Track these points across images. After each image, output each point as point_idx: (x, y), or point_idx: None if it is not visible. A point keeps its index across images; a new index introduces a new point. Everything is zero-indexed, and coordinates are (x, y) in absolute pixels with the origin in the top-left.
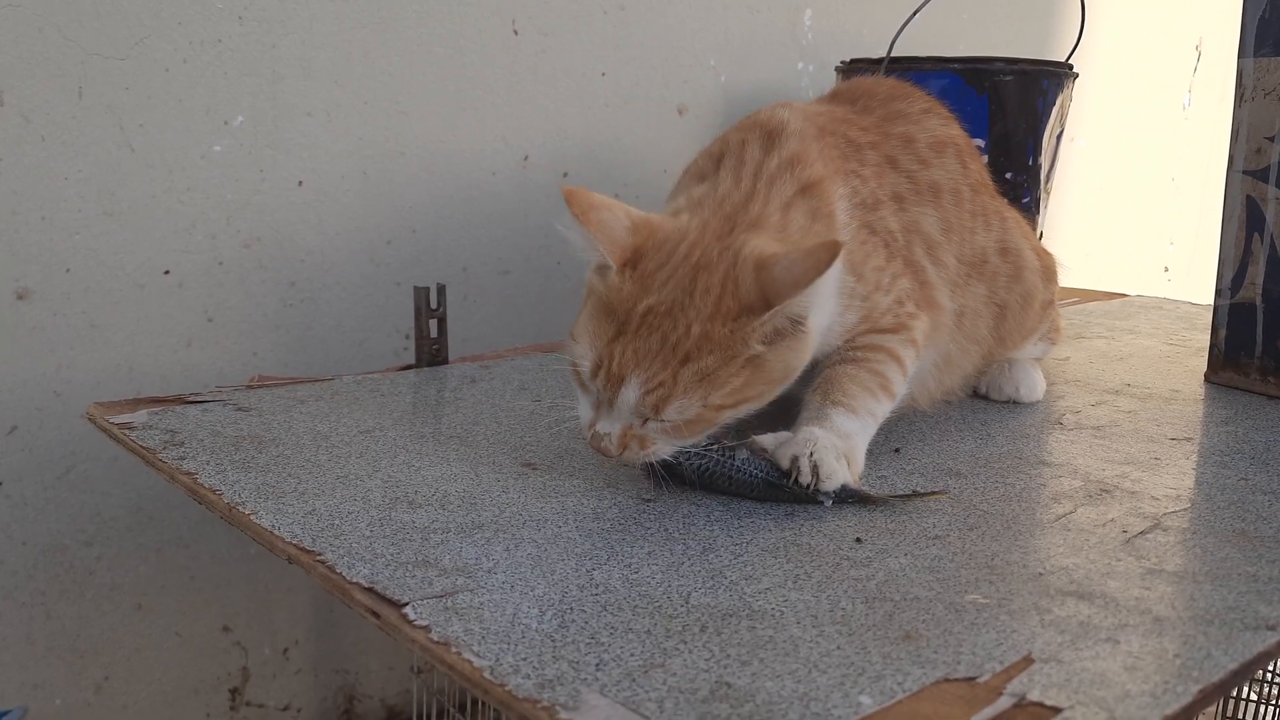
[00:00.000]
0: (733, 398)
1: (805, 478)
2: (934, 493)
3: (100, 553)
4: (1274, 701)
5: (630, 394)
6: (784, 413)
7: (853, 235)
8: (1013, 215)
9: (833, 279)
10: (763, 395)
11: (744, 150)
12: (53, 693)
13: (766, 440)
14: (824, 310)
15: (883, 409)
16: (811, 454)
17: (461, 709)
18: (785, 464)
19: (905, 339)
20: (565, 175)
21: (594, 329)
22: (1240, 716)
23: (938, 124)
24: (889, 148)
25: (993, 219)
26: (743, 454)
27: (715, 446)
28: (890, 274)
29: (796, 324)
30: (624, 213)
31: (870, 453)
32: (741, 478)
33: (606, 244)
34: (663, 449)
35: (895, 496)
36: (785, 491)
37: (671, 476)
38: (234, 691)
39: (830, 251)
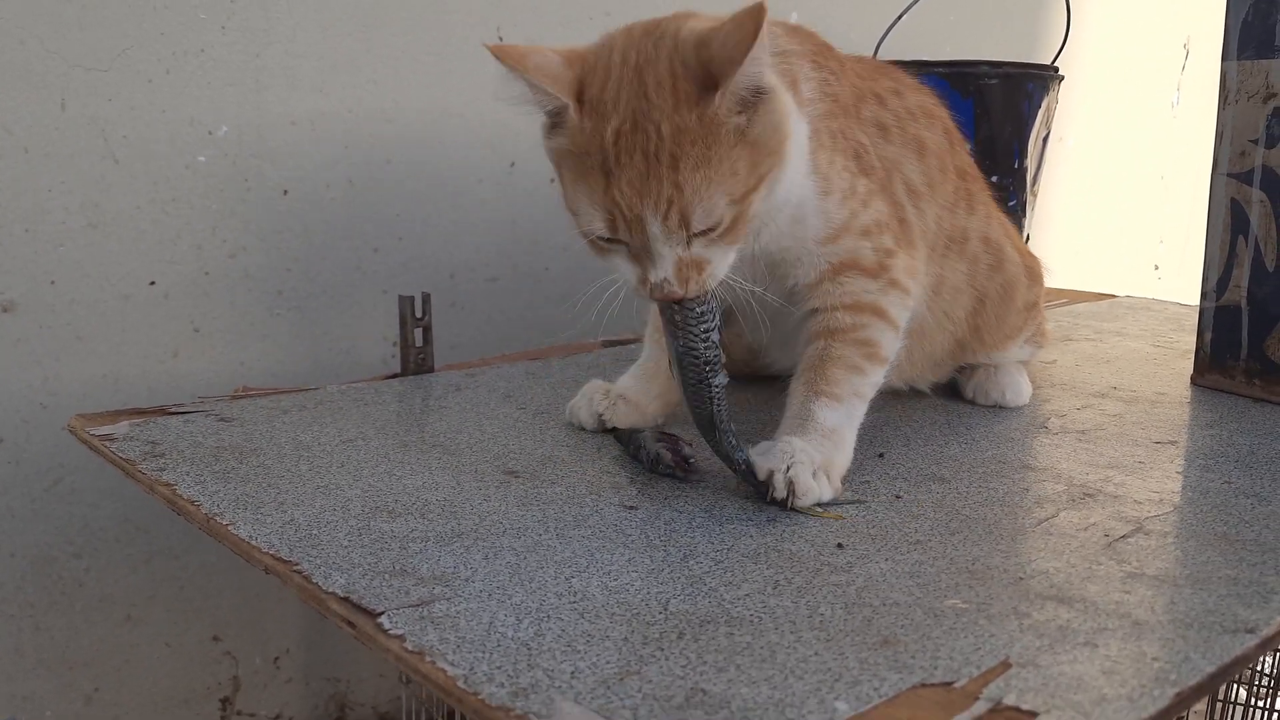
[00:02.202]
0: (748, 179)
1: (780, 493)
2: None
3: (89, 564)
4: (1263, 704)
5: (655, 224)
6: (774, 402)
7: (820, 124)
8: (997, 215)
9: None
10: (775, 167)
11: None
12: (43, 704)
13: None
14: (794, 173)
15: (871, 382)
16: (788, 469)
17: (449, 717)
18: (762, 476)
19: (887, 282)
20: (552, 181)
21: (585, 188)
22: (1230, 717)
23: (929, 99)
24: (877, 87)
25: (977, 206)
26: (721, 378)
27: (715, 354)
28: (864, 187)
29: (760, 90)
30: (553, 52)
31: (854, 457)
32: (704, 391)
33: (552, 83)
34: (719, 265)
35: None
36: (717, 432)
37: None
38: (225, 701)
39: (754, 17)
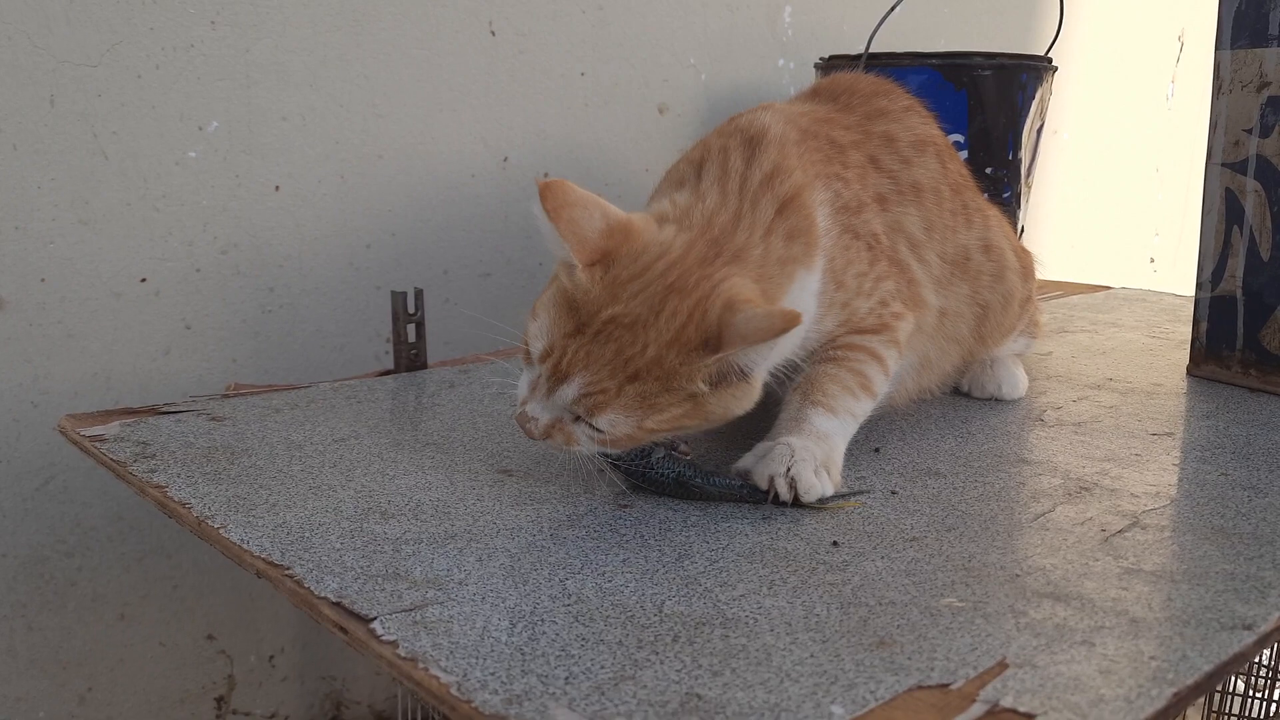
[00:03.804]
0: (666, 425)
1: (784, 495)
2: (858, 494)
3: (81, 563)
4: (1261, 693)
5: (569, 392)
6: (766, 412)
7: (834, 241)
8: (994, 213)
9: (803, 280)
10: (697, 428)
11: (726, 159)
12: (36, 705)
13: (746, 462)
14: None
15: (862, 408)
16: (789, 470)
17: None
18: (764, 485)
19: (887, 339)
20: (546, 175)
21: (553, 316)
22: (1228, 708)
23: (918, 122)
24: (872, 147)
25: (974, 216)
26: (659, 453)
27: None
28: (873, 278)
29: (744, 374)
30: (601, 213)
31: (849, 452)
32: (654, 475)
33: (575, 244)
34: (584, 446)
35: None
36: (696, 489)
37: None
38: (220, 700)
39: (787, 321)
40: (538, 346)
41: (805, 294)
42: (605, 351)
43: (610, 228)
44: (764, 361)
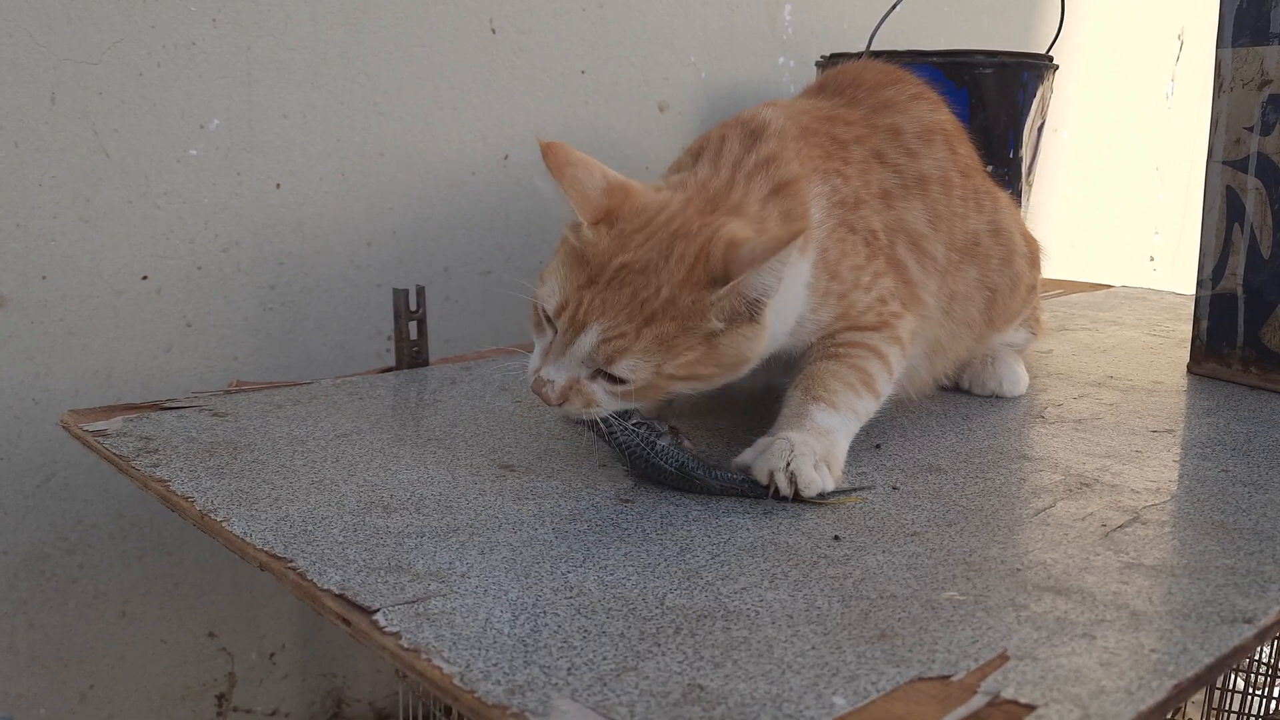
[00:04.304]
0: (684, 370)
1: (784, 490)
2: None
3: (82, 560)
4: (1261, 690)
5: (589, 340)
6: (766, 410)
7: (828, 234)
8: (1004, 196)
9: (793, 265)
10: (713, 378)
11: (724, 145)
12: (37, 702)
13: (746, 456)
14: (789, 303)
15: (865, 405)
16: (788, 464)
17: (447, 713)
18: (763, 480)
19: (889, 336)
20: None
21: (565, 274)
22: (1228, 705)
23: (926, 110)
24: (876, 141)
25: (984, 200)
26: (664, 441)
27: (644, 427)
28: (870, 272)
29: (754, 309)
30: (601, 173)
31: (850, 449)
32: (658, 463)
33: (579, 200)
34: (604, 406)
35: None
36: (698, 481)
37: (600, 438)
38: (221, 697)
39: (791, 233)
40: (551, 304)
41: (797, 274)
42: (620, 296)
43: (610, 186)
44: (773, 285)
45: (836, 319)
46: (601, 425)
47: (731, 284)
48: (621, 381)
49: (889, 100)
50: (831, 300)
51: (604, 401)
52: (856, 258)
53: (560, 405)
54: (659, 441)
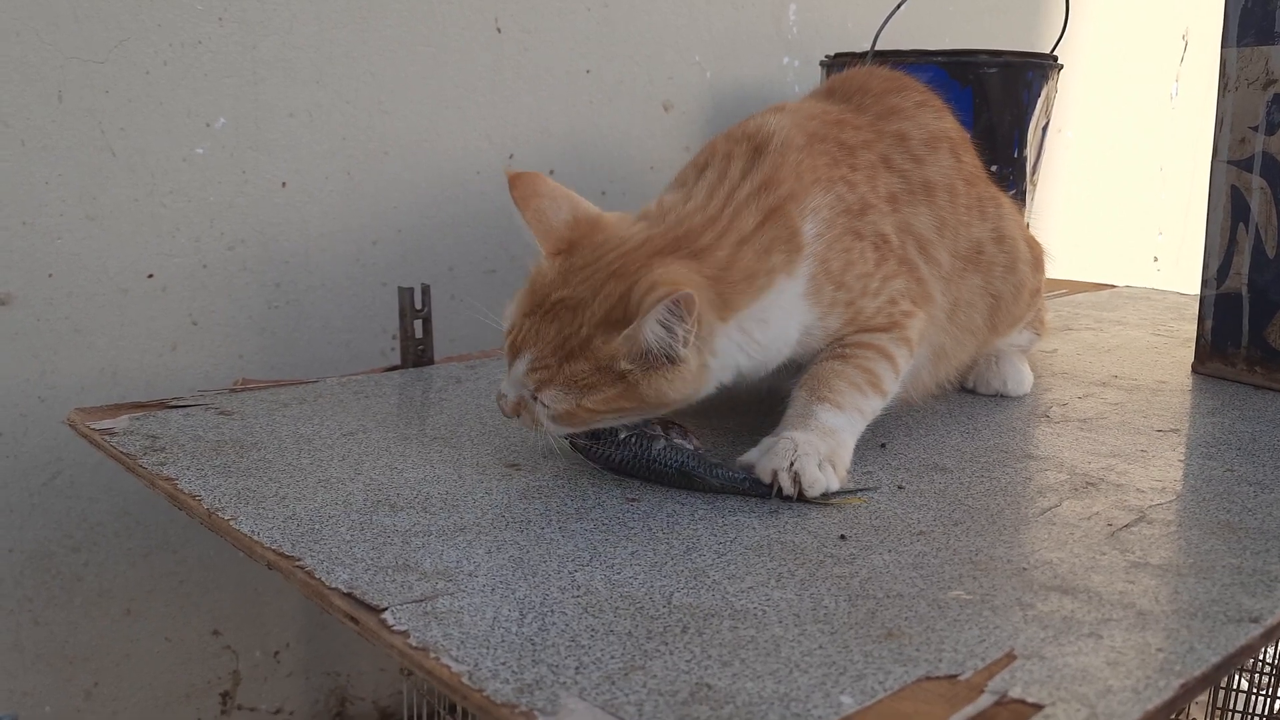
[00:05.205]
0: (605, 405)
1: (788, 490)
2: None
3: (88, 558)
4: (1265, 690)
5: (521, 366)
6: (773, 409)
7: (830, 244)
8: (1007, 202)
9: (771, 292)
10: (641, 412)
11: (728, 165)
12: (42, 700)
13: (751, 455)
14: (783, 321)
15: (871, 405)
16: (792, 464)
17: (451, 711)
18: (767, 479)
19: (897, 337)
20: (551, 172)
21: (520, 299)
22: (1231, 705)
23: (931, 118)
24: (883, 147)
25: (988, 207)
26: (659, 445)
27: (632, 437)
28: (880, 277)
29: (668, 356)
30: (570, 206)
31: (856, 448)
32: (658, 468)
33: (539, 232)
34: (548, 426)
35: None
36: (700, 481)
37: (593, 460)
38: (225, 695)
39: (660, 294)
40: (505, 324)
41: (786, 297)
42: (550, 330)
43: (577, 220)
44: (678, 344)
45: (845, 324)
46: (582, 442)
47: (624, 332)
48: (547, 406)
49: (895, 107)
50: (839, 309)
51: (545, 423)
52: (864, 265)
53: (513, 417)
54: (654, 446)
